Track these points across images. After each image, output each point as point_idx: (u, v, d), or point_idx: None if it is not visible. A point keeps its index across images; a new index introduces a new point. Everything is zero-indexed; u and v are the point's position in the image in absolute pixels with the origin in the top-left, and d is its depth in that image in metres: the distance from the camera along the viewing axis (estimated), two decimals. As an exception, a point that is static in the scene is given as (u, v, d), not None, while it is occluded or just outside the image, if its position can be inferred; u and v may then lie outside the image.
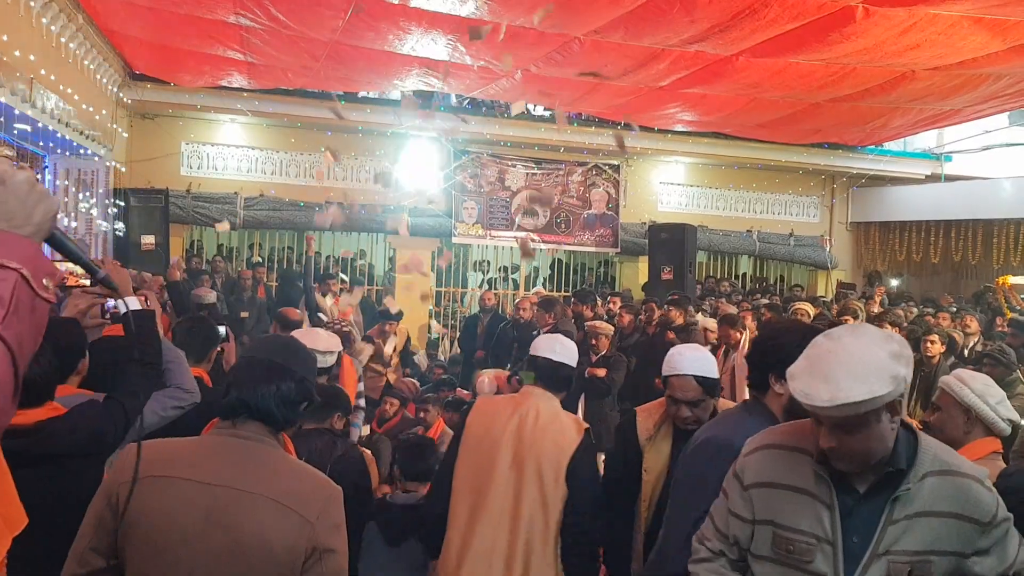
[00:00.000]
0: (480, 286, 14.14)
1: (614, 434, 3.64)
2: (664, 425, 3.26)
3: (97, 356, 3.09)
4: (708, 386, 3.16)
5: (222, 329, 5.59)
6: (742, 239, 14.48)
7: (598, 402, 7.04)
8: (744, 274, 15.39)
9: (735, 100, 9.45)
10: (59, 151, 8.31)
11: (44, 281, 1.23)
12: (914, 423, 2.35)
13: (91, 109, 8.66)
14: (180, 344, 3.56)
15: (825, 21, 6.24)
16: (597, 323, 7.35)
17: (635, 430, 3.29)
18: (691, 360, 3.18)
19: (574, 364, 3.31)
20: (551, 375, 3.24)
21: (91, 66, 8.77)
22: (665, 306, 8.55)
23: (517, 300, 10.15)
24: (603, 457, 3.61)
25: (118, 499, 1.94)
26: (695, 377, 3.13)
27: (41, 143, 7.63)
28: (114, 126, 9.98)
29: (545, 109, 12.55)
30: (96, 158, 9.12)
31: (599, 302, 9.59)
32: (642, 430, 3.28)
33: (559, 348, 3.27)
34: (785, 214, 15.00)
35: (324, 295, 8.63)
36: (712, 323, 8.05)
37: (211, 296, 7.18)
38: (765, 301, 11.59)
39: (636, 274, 13.77)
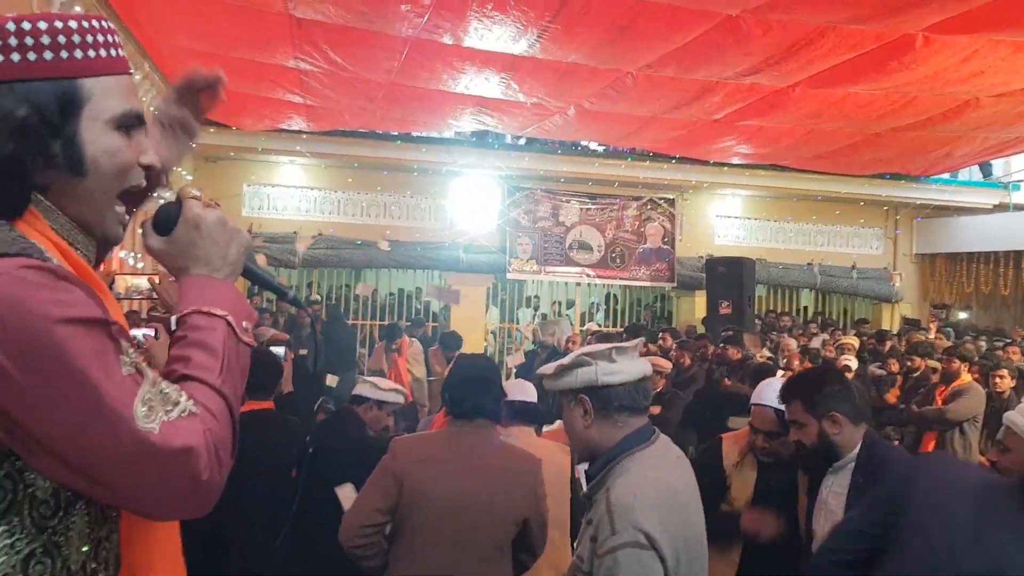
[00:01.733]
0: (532, 321, 14.09)
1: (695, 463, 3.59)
2: (750, 454, 3.24)
3: None
4: (785, 421, 3.09)
5: (281, 350, 5.70)
6: (802, 272, 14.20)
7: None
8: (805, 308, 15.06)
9: (792, 132, 9.31)
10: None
11: (244, 324, 1.23)
12: (983, 461, 2.25)
13: (156, 153, 8.91)
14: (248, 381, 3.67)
15: (884, 50, 6.12)
16: (653, 359, 7.24)
17: (720, 457, 3.26)
18: (775, 391, 3.11)
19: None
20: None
21: (157, 112, 9.04)
22: (721, 344, 8.40)
23: (568, 335, 10.08)
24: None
25: (401, 475, 2.79)
26: (775, 410, 3.10)
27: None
28: (179, 169, 10.25)
29: (599, 144, 12.55)
30: (161, 200, 9.34)
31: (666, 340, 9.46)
32: (727, 456, 3.26)
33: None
34: (847, 246, 14.69)
35: (390, 351, 8.59)
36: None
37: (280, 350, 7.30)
38: (826, 336, 11.35)
39: (693, 308, 13.59)
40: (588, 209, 13.22)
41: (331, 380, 8.08)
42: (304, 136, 11.00)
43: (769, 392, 3.16)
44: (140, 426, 1.01)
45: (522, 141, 12.52)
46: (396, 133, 11.41)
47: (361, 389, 4.10)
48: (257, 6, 6.01)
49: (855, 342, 9.11)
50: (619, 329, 13.50)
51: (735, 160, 11.86)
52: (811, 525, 2.82)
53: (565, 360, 2.20)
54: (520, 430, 3.56)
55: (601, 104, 8.13)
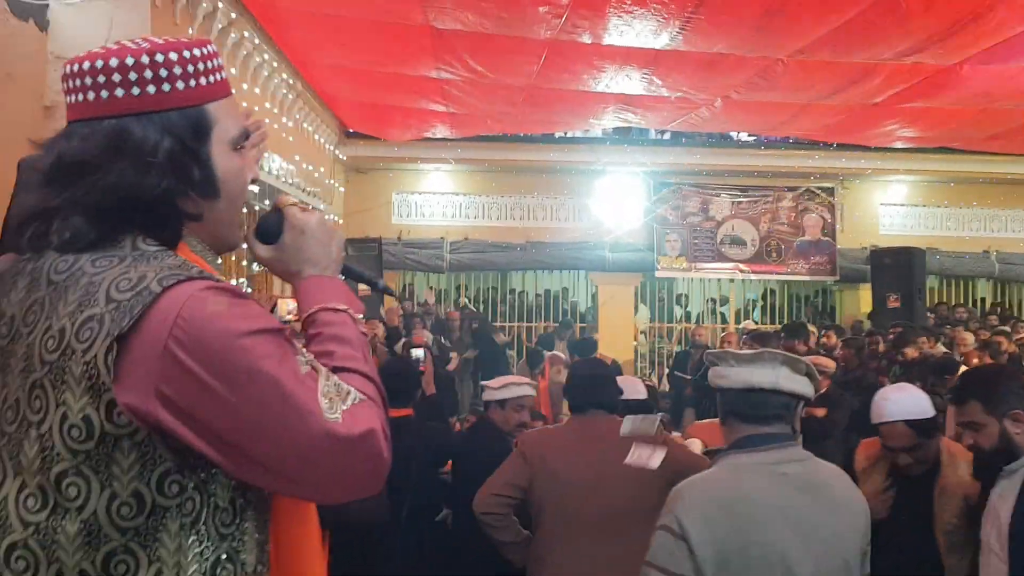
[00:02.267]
0: (680, 320, 13.75)
1: None
2: (881, 460, 3.02)
3: None
4: (923, 428, 2.87)
5: (420, 352, 5.83)
6: (978, 261, 13.14)
7: (817, 444, 6.52)
8: (982, 299, 13.94)
9: (962, 112, 8.64)
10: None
11: (360, 316, 1.29)
12: None
13: (311, 167, 9.29)
14: (386, 388, 3.73)
15: (1066, 18, 5.56)
16: (817, 359, 6.84)
17: (854, 472, 3.05)
18: (897, 403, 2.90)
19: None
20: None
21: (310, 128, 9.42)
22: (891, 340, 7.85)
23: (723, 335, 9.76)
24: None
25: (529, 457, 3.11)
26: (905, 422, 2.86)
27: (267, 201, 8.25)
28: (332, 182, 10.66)
29: (749, 135, 12.09)
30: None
31: (813, 335, 8.97)
32: (858, 460, 3.10)
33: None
34: (1028, 231, 13.49)
35: (534, 373, 8.58)
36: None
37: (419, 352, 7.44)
38: (1007, 329, 10.43)
39: (857, 302, 12.84)
40: (740, 202, 12.73)
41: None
42: (448, 143, 11.19)
43: (892, 407, 2.91)
44: (327, 417, 1.08)
45: (666, 135, 12.24)
46: (538, 135, 11.41)
47: (484, 395, 4.11)
48: (398, 20, 6.13)
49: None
50: (777, 326, 12.97)
51: (898, 144, 11.18)
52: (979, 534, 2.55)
53: (515, 377, 3.49)
54: None
55: (750, 94, 7.82)
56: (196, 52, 1.19)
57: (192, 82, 1.18)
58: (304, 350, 1.15)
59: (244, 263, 7.27)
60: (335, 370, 1.18)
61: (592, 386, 3.26)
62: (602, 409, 3.21)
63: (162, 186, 1.14)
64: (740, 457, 2.07)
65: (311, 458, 1.08)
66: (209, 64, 1.21)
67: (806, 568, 1.93)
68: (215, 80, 1.22)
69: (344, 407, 1.11)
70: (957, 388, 2.71)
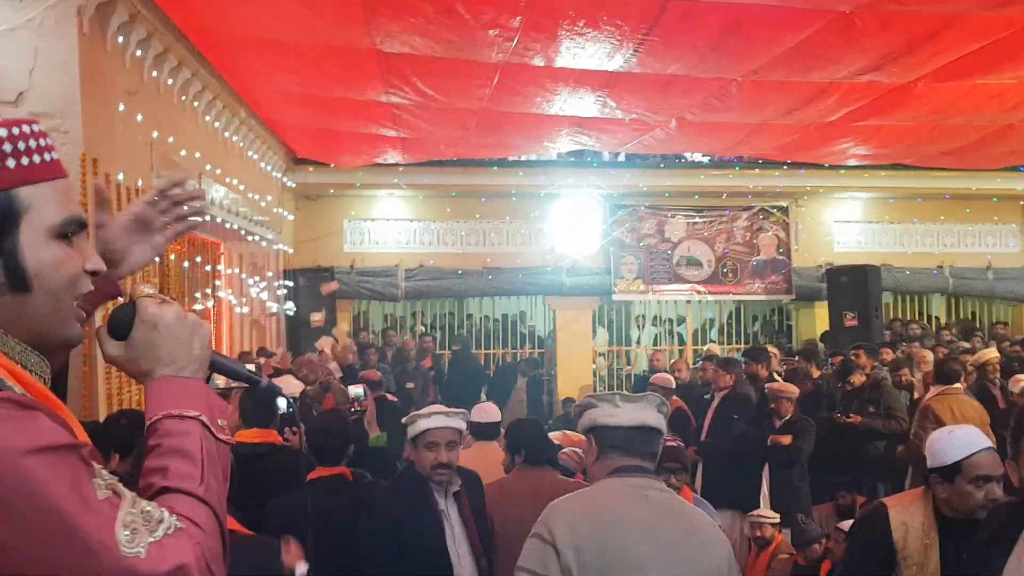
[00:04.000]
0: (637, 343, 13.64)
1: (857, 532, 3.15)
2: (927, 521, 2.79)
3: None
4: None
5: (359, 390, 5.53)
6: (932, 276, 13.23)
7: (785, 473, 6.39)
8: (935, 316, 14.05)
9: (915, 130, 8.70)
10: (230, 240, 8.63)
11: (219, 422, 1.18)
12: None
13: (257, 196, 9.00)
14: (315, 447, 3.47)
15: (1017, 37, 5.55)
16: (780, 385, 6.74)
17: (889, 528, 2.81)
18: (972, 435, 2.77)
19: None
20: None
21: (255, 155, 9.14)
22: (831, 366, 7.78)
23: (672, 362, 9.62)
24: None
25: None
26: (992, 449, 2.72)
27: (211, 234, 7.94)
28: (280, 210, 10.36)
29: (703, 155, 12.07)
30: (264, 242, 9.45)
31: (775, 358, 8.87)
32: (897, 528, 2.79)
33: None
34: (980, 246, 13.62)
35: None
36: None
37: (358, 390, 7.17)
38: (967, 346, 10.48)
39: (813, 320, 12.83)
40: (695, 223, 12.68)
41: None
42: (401, 168, 10.98)
43: (971, 436, 2.75)
44: (124, 552, 0.95)
45: (621, 157, 12.17)
46: (492, 159, 11.25)
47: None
48: (344, 44, 5.94)
49: (995, 355, 8.17)
50: (735, 347, 12.92)
51: (852, 162, 11.24)
52: None
53: (425, 409, 3.32)
54: (482, 445, 4.28)
55: (705, 115, 7.76)
56: (3, 132, 1.08)
57: None
58: (104, 472, 1.01)
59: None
60: (163, 491, 1.07)
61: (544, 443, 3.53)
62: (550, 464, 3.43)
63: None
64: (610, 480, 2.30)
65: None
66: (24, 145, 1.10)
67: (658, 574, 2.13)
68: (31, 162, 1.10)
69: (152, 539, 0.97)
70: (1016, 433, 2.53)
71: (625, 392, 2.40)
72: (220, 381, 3.05)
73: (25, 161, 1.10)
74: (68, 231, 1.13)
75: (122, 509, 0.97)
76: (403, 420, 3.41)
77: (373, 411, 4.82)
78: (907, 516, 2.81)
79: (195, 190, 1.61)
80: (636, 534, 2.15)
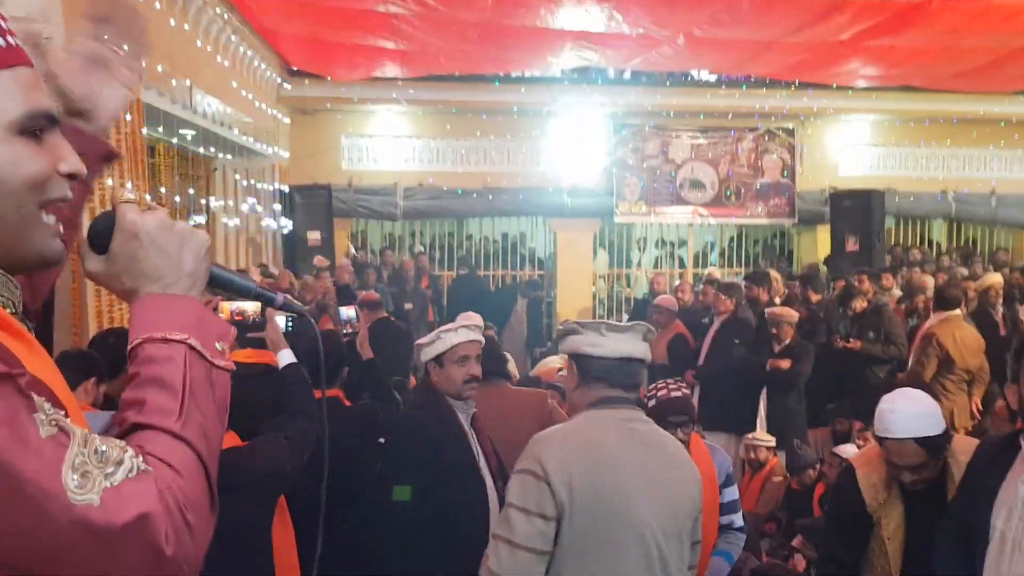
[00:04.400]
0: (637, 265, 13.57)
1: (833, 496, 3.12)
2: (894, 481, 2.72)
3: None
4: (934, 446, 2.60)
5: (351, 312, 5.44)
6: (935, 202, 13.08)
7: (782, 397, 6.40)
8: (936, 242, 13.95)
9: (927, 50, 8.46)
10: (224, 154, 8.46)
11: (218, 346, 1.03)
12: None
13: (252, 109, 8.78)
14: (309, 369, 3.39)
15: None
16: (780, 309, 6.69)
17: (858, 492, 2.74)
18: (907, 419, 2.60)
19: None
20: None
21: (249, 67, 8.88)
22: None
23: (676, 284, 9.57)
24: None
25: None
26: (915, 440, 2.58)
27: (203, 148, 7.76)
28: (275, 124, 10.14)
29: (710, 74, 11.78)
30: (259, 158, 9.27)
31: (776, 283, 8.79)
32: (867, 491, 2.73)
33: None
34: (985, 171, 13.41)
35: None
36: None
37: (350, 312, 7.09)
38: (965, 272, 10.41)
39: (815, 245, 12.73)
40: (700, 144, 12.45)
41: None
42: (399, 83, 10.71)
43: (903, 421, 2.60)
44: (74, 500, 0.81)
45: (627, 75, 11.86)
46: (494, 74, 10.97)
47: (420, 357, 3.42)
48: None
49: (998, 280, 8.11)
50: (736, 271, 12.85)
51: (861, 83, 11.02)
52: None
53: (450, 324, 3.13)
54: None
55: (713, 31, 7.55)
56: None
57: None
58: (48, 405, 0.84)
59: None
60: (135, 428, 0.92)
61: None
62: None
63: None
64: (596, 412, 2.26)
65: (61, 556, 0.81)
66: None
67: (646, 509, 2.13)
68: None
69: (107, 484, 0.83)
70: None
71: (611, 321, 2.37)
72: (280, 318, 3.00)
73: None
74: (35, 127, 0.95)
75: (70, 449, 0.83)
76: (421, 341, 3.30)
77: (365, 334, 4.72)
78: (874, 476, 2.76)
79: (124, 4, 1.43)
80: (626, 469, 2.15)
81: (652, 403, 3.05)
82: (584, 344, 2.27)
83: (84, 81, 1.31)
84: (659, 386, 3.13)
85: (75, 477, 0.81)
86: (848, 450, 4.82)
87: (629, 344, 2.26)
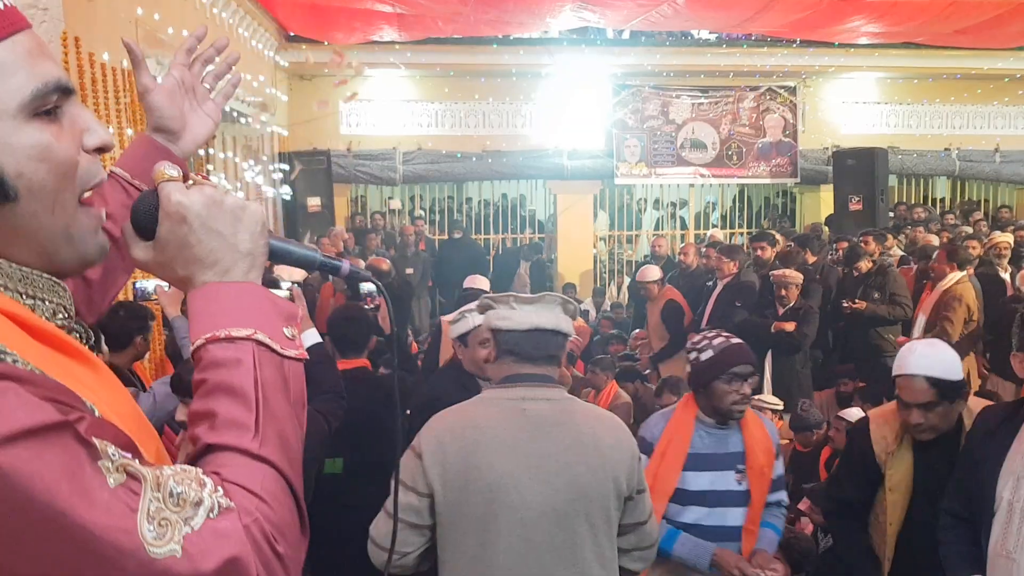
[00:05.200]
0: (638, 227, 13.52)
1: (846, 444, 3.13)
2: (906, 435, 2.74)
3: None
4: (945, 389, 2.62)
5: (371, 286, 5.44)
6: (939, 159, 13.00)
7: (788, 360, 6.41)
8: (939, 199, 13.88)
9: (930, 6, 8.36)
10: (222, 121, 8.36)
11: (287, 332, 0.93)
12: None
13: (249, 76, 8.67)
14: (337, 337, 3.40)
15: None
16: (785, 271, 6.66)
17: (869, 442, 2.78)
18: (922, 357, 2.65)
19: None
20: None
21: (246, 33, 8.76)
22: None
23: (682, 246, 9.52)
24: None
25: None
26: (926, 377, 2.61)
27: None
28: (273, 91, 10.03)
29: (711, 33, 11.63)
30: (258, 125, 9.17)
31: (780, 241, 8.75)
32: (878, 442, 2.77)
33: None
34: (989, 128, 13.32)
35: None
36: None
37: (386, 265, 7.06)
38: (969, 230, 10.36)
39: (819, 205, 12.67)
40: (700, 104, 12.33)
41: None
42: (397, 47, 10.58)
43: (917, 359, 2.65)
44: (153, 553, 0.71)
45: (625, 35, 11.71)
46: (492, 36, 10.83)
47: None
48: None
49: (1007, 239, 8.04)
50: (738, 231, 12.82)
51: (863, 40, 10.87)
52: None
53: (473, 304, 2.85)
54: None
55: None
56: None
57: None
58: (112, 449, 0.74)
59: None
60: (208, 450, 0.83)
61: None
62: None
63: None
64: (491, 392, 2.26)
65: None
66: None
67: (528, 492, 2.06)
68: None
69: (188, 529, 0.74)
70: None
71: (521, 294, 2.26)
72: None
73: None
74: (48, 104, 0.82)
75: (143, 497, 0.73)
76: (447, 318, 3.30)
77: (386, 309, 4.71)
78: (886, 429, 2.78)
79: (222, 40, 1.40)
80: (502, 451, 2.10)
81: (707, 355, 2.77)
82: (495, 318, 2.24)
83: (176, 103, 1.29)
84: (708, 336, 2.85)
85: (151, 528, 0.72)
86: (854, 413, 4.82)
87: (537, 315, 2.19)
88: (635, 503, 2.22)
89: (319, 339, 2.95)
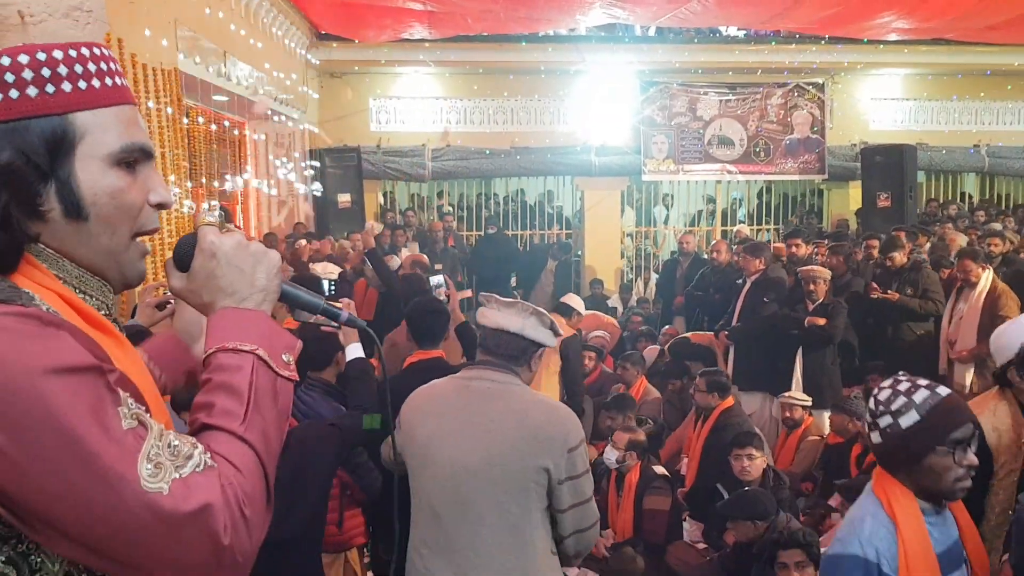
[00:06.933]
0: (665, 223, 13.54)
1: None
2: (1016, 421, 2.68)
3: None
4: None
5: (439, 278, 5.54)
6: (968, 155, 12.92)
7: (818, 356, 6.42)
8: (969, 195, 13.78)
9: (961, 2, 8.32)
10: (254, 120, 8.51)
11: (284, 357, 1.12)
12: None
13: (282, 75, 8.82)
14: (416, 328, 3.50)
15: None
16: (814, 267, 6.68)
17: (983, 440, 2.56)
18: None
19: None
20: None
21: (279, 32, 8.90)
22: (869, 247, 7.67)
23: (713, 243, 9.52)
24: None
25: None
26: None
27: (236, 113, 7.81)
28: (305, 88, 10.17)
29: (739, 29, 11.63)
30: (290, 122, 9.32)
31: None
32: (991, 435, 2.66)
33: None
34: (1018, 124, 13.21)
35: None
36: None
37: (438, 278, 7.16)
38: (998, 226, 10.29)
39: (846, 201, 12.65)
40: (728, 101, 12.32)
41: None
42: (427, 45, 10.69)
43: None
44: (146, 487, 0.90)
45: (652, 32, 11.74)
46: (521, 34, 10.90)
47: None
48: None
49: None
50: (767, 227, 12.82)
51: (892, 37, 10.83)
52: None
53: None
54: None
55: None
56: (59, 55, 1.02)
57: (51, 88, 1.01)
58: (131, 401, 0.95)
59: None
60: (203, 428, 1.02)
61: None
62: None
63: None
64: (458, 372, 2.65)
65: (129, 537, 0.90)
66: (82, 68, 1.03)
67: (461, 449, 2.38)
68: (92, 86, 1.04)
69: (177, 475, 0.92)
70: None
71: (504, 299, 2.56)
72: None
73: (83, 85, 1.03)
74: (130, 159, 1.07)
75: (147, 441, 0.92)
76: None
77: (457, 300, 4.83)
78: (996, 420, 2.67)
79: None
80: (437, 413, 2.49)
81: (911, 419, 2.01)
82: (479, 315, 2.58)
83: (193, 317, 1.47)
84: (899, 388, 2.07)
85: (149, 467, 0.90)
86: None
87: (504, 319, 2.49)
88: (573, 485, 2.38)
89: (362, 354, 3.08)
